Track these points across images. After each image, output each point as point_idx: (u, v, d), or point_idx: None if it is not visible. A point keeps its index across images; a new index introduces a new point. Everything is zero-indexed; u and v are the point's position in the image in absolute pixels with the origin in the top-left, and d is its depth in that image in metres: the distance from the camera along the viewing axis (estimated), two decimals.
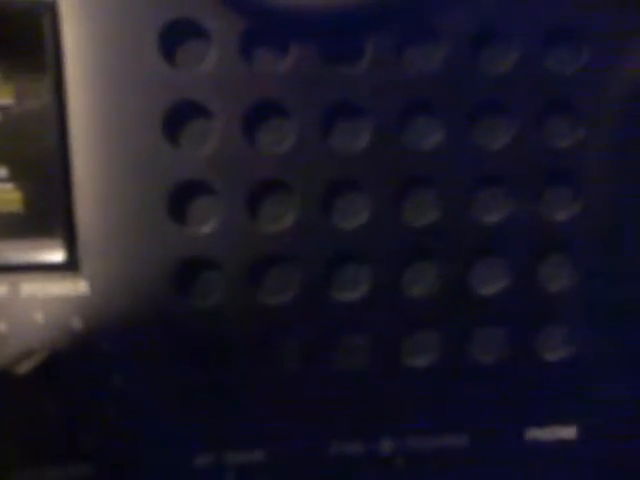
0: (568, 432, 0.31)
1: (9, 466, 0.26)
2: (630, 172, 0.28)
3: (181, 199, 0.26)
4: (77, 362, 0.26)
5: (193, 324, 0.27)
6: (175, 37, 0.24)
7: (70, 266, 0.26)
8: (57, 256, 0.26)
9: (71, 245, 0.25)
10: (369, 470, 0.30)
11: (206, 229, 0.26)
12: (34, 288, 0.26)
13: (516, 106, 0.27)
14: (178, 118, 0.25)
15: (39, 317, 0.26)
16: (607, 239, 0.29)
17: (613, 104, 0.27)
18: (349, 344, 0.29)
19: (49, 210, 0.26)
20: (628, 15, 0.27)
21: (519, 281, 0.29)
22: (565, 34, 0.26)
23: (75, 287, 0.26)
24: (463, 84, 0.26)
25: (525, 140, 0.27)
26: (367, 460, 0.30)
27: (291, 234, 0.27)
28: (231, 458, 0.29)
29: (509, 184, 0.28)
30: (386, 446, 0.30)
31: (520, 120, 0.27)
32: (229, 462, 0.29)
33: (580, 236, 0.28)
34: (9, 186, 0.26)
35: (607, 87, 0.27)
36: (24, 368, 0.24)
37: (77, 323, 0.26)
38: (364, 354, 0.29)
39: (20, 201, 0.26)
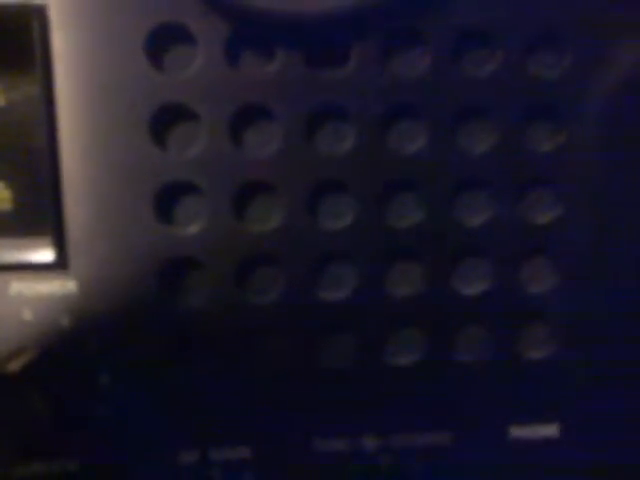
0: (550, 430, 0.31)
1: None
2: (612, 175, 0.28)
3: (168, 200, 0.26)
4: (65, 360, 0.27)
5: (179, 323, 0.27)
6: (162, 41, 0.25)
7: (59, 265, 0.26)
8: (47, 255, 0.26)
9: (60, 244, 0.26)
10: (353, 467, 0.30)
11: (192, 230, 0.27)
12: (23, 286, 0.26)
13: (499, 110, 0.27)
14: (165, 121, 0.26)
15: (28, 315, 0.26)
16: (589, 242, 0.29)
17: (595, 107, 0.28)
18: (334, 343, 0.29)
19: (38, 209, 0.26)
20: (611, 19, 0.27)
21: (501, 282, 0.29)
22: (548, 38, 0.27)
23: (64, 286, 0.26)
24: (447, 88, 0.27)
25: (508, 143, 0.27)
26: (351, 457, 0.30)
27: (276, 235, 0.27)
28: (216, 455, 0.29)
29: (492, 187, 0.28)
30: (370, 443, 0.30)
31: (503, 124, 0.27)
32: (214, 459, 0.29)
33: (562, 239, 0.29)
34: (0, 186, 0.26)
35: (590, 91, 0.27)
36: (14, 366, 0.25)
37: (65, 321, 0.27)
38: (349, 353, 0.29)
39: (9, 200, 0.26)
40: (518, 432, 0.31)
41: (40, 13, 0.24)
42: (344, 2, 0.24)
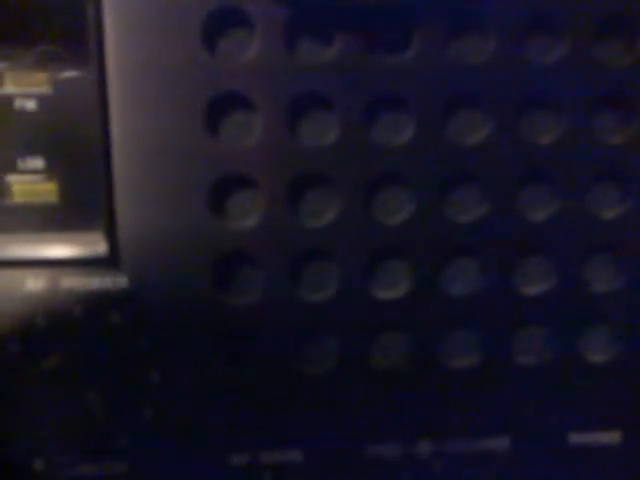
0: (612, 437, 0.30)
1: (47, 462, 0.26)
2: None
3: (222, 193, 0.26)
4: (115, 357, 0.26)
5: (232, 320, 0.27)
6: (218, 26, 0.24)
7: (111, 260, 0.26)
8: (99, 250, 0.26)
9: (112, 239, 0.25)
10: (406, 472, 0.30)
11: (246, 224, 0.26)
12: (74, 282, 0.26)
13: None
14: (220, 109, 0.25)
15: (78, 311, 0.26)
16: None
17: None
18: (387, 344, 0.28)
19: (89, 204, 0.26)
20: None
21: (566, 282, 0.28)
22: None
23: (115, 281, 0.26)
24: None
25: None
26: (404, 462, 0.30)
27: (331, 230, 0.27)
28: (267, 458, 0.29)
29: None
30: (424, 448, 0.29)
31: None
32: (265, 462, 0.29)
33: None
34: (46, 178, 0.26)
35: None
36: (66, 362, 0.24)
37: (116, 317, 0.26)
38: (403, 354, 0.28)
39: (59, 194, 0.26)
40: (578, 438, 0.30)
41: None
42: None
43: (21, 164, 0.25)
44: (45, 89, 0.25)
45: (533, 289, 0.28)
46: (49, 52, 0.25)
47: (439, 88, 0.26)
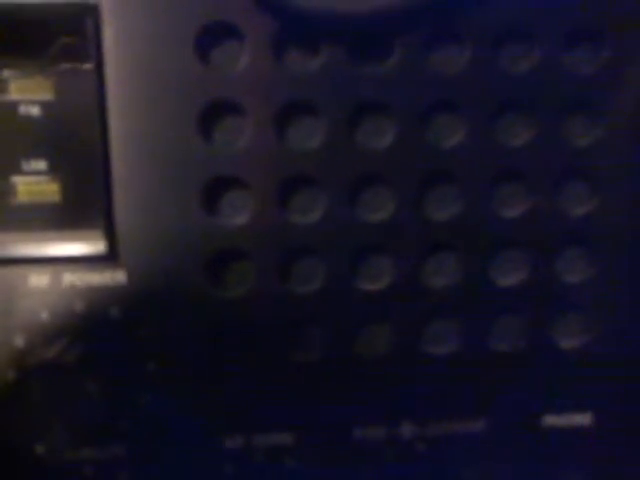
0: (584, 419, 0.32)
1: (51, 446, 0.28)
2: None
3: (214, 193, 0.27)
4: (114, 348, 0.27)
5: (224, 312, 0.28)
6: (210, 38, 0.25)
7: (110, 257, 0.27)
8: (98, 247, 0.27)
9: (111, 236, 0.26)
10: (390, 453, 0.31)
11: (238, 222, 0.27)
12: (75, 278, 0.27)
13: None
14: (212, 115, 0.26)
15: (80, 305, 0.27)
16: (625, 234, 0.29)
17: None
18: (371, 333, 0.29)
19: (89, 203, 0.27)
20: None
21: (537, 272, 0.29)
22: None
23: (114, 277, 0.27)
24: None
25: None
26: (388, 444, 0.31)
27: (318, 227, 0.28)
28: (260, 441, 0.30)
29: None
30: (407, 430, 0.31)
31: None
32: (258, 444, 0.30)
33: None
34: (49, 179, 0.27)
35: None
36: (68, 354, 0.25)
37: (115, 311, 0.27)
38: (386, 343, 0.30)
39: (61, 193, 0.27)
40: (552, 420, 0.31)
41: (93, 11, 0.25)
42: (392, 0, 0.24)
43: (25, 166, 0.27)
44: (48, 96, 0.26)
45: (508, 281, 0.29)
46: (52, 61, 0.26)
47: (418, 94, 0.27)
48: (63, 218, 0.27)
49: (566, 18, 0.27)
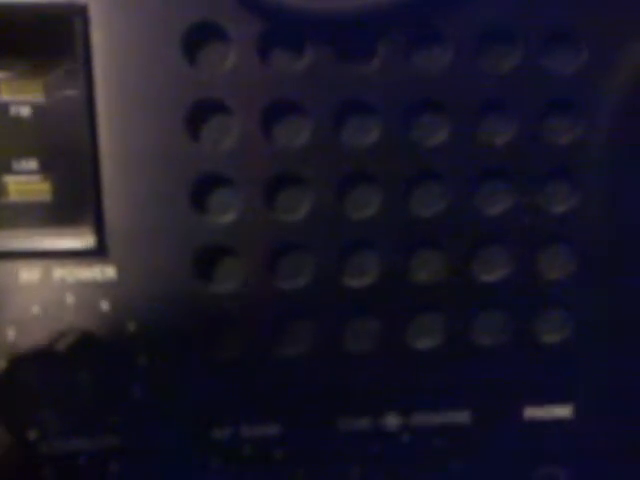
0: (564, 411, 0.32)
1: (42, 436, 0.28)
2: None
3: (202, 190, 0.27)
4: (104, 341, 0.28)
5: (212, 307, 0.29)
6: (197, 39, 0.26)
7: (99, 252, 0.27)
8: (87, 243, 0.27)
9: (100, 232, 0.27)
10: (376, 444, 0.32)
11: (225, 219, 0.28)
12: (65, 272, 0.27)
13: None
14: (199, 115, 0.27)
15: (70, 299, 0.28)
16: (606, 230, 0.30)
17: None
18: (358, 327, 0.30)
19: (79, 200, 0.27)
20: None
21: (519, 269, 0.30)
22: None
23: (103, 272, 0.27)
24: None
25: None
26: (374, 435, 0.31)
27: (305, 224, 0.28)
28: (247, 432, 0.30)
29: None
30: (392, 422, 0.31)
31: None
32: (245, 435, 0.30)
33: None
34: (41, 178, 0.27)
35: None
36: (59, 346, 0.26)
37: (105, 305, 0.28)
38: (373, 337, 0.30)
39: (51, 191, 0.28)
40: (533, 412, 0.32)
41: (82, 12, 0.25)
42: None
43: (16, 165, 0.27)
44: (38, 97, 0.26)
45: (491, 276, 0.30)
46: (42, 63, 0.26)
47: (402, 94, 0.27)
48: (54, 215, 0.28)
49: (547, 18, 0.27)
